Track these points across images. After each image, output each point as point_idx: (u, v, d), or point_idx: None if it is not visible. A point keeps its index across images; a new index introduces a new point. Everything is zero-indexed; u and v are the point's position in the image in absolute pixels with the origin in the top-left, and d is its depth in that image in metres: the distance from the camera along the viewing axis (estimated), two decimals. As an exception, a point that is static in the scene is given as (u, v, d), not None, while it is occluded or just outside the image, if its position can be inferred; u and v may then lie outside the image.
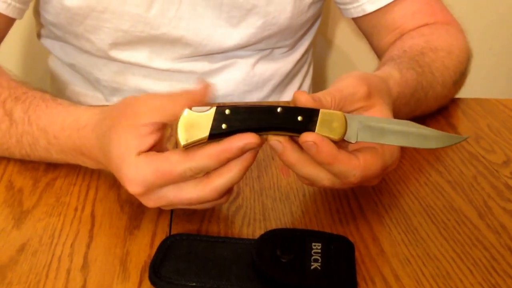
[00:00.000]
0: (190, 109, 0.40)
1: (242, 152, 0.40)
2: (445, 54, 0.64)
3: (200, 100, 0.41)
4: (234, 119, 0.39)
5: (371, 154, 0.42)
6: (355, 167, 0.41)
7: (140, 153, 0.41)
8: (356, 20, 0.74)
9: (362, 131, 0.41)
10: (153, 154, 0.41)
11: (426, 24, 0.69)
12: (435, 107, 0.63)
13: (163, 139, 0.44)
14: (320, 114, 0.40)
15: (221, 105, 0.40)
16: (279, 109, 0.40)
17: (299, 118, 0.40)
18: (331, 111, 0.41)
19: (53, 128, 0.49)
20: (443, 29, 0.68)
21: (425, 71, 0.60)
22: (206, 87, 0.42)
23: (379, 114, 0.44)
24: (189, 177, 0.40)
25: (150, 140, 0.42)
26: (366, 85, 0.44)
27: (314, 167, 0.41)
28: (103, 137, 0.44)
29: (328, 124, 0.40)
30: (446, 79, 0.62)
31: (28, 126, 0.50)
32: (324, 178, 0.42)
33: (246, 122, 0.40)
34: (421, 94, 0.58)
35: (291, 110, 0.40)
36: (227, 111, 0.39)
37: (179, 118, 0.39)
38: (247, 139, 0.40)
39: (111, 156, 0.43)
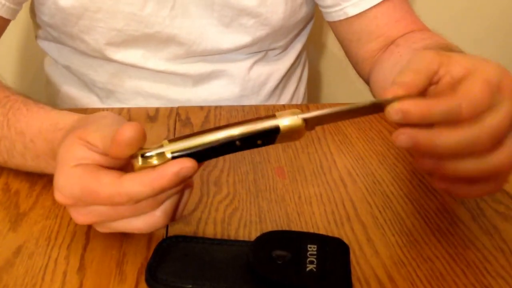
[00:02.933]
0: (143, 156, 0.37)
1: (178, 178, 0.37)
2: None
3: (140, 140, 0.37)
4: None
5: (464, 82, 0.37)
6: (455, 99, 0.36)
7: (78, 165, 0.38)
8: (337, 24, 0.72)
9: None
10: (90, 169, 0.38)
11: (412, 31, 0.68)
12: None
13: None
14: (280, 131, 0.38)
15: (171, 138, 0.38)
16: (237, 142, 0.38)
17: (259, 142, 0.38)
18: (290, 124, 0.39)
19: (30, 131, 0.48)
20: (434, 35, 0.69)
21: None
22: (137, 130, 0.37)
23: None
24: (117, 203, 0.37)
25: (96, 157, 0.39)
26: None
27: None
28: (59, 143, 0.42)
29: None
30: None
31: (7, 130, 0.49)
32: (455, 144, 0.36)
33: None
34: None
35: (249, 138, 0.38)
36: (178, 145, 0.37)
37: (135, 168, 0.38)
38: (184, 163, 0.37)
39: (56, 159, 0.40)
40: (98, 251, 0.42)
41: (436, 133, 0.37)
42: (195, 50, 0.71)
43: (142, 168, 0.38)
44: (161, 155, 0.38)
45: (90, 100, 0.76)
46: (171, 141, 0.38)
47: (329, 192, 0.51)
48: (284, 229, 0.45)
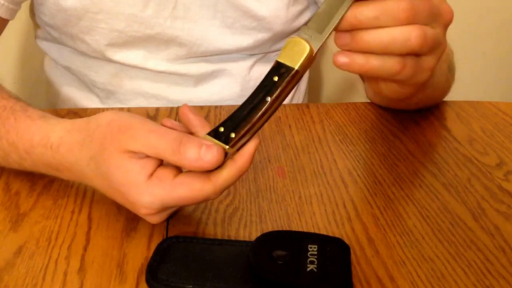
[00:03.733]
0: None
1: (253, 157, 0.41)
2: None
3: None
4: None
5: None
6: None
7: (150, 177, 0.41)
8: None
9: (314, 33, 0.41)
10: (167, 175, 0.41)
11: None
12: (442, 82, 0.62)
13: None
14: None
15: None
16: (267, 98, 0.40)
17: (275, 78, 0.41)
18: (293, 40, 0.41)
19: (23, 143, 0.48)
20: None
21: None
22: (196, 117, 0.42)
23: None
24: (211, 199, 0.42)
25: (151, 162, 0.41)
26: None
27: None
28: (95, 161, 0.43)
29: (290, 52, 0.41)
30: None
31: None
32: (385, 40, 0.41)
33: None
34: None
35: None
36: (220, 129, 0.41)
37: None
38: (255, 145, 0.41)
39: (113, 184, 0.42)
40: (99, 252, 0.42)
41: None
42: (196, 51, 0.71)
43: None
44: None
45: (90, 101, 0.76)
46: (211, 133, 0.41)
47: (330, 192, 0.50)
48: (284, 229, 0.45)
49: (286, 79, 0.40)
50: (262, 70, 0.76)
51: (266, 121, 0.41)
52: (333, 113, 0.66)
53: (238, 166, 0.41)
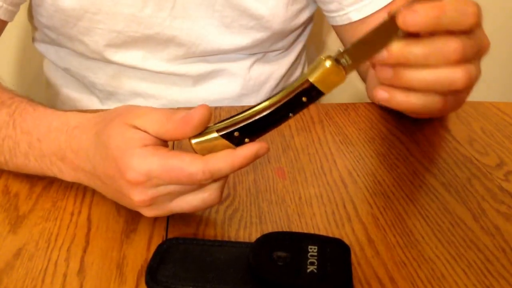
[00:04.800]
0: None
1: (255, 159, 0.41)
2: None
3: (201, 126, 0.41)
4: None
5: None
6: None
7: (146, 145, 0.41)
8: (340, 29, 0.72)
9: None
10: (163, 148, 0.41)
11: None
12: None
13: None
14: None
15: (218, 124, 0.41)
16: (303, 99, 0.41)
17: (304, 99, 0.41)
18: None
19: (38, 130, 0.48)
20: None
21: None
22: (206, 111, 0.41)
23: None
24: (197, 180, 0.40)
25: (151, 137, 0.41)
26: None
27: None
28: (98, 135, 0.43)
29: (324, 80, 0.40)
30: None
31: (12, 129, 0.49)
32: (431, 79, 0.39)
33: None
34: None
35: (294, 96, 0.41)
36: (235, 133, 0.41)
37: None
38: (261, 146, 0.41)
39: (108, 150, 0.41)
40: (98, 253, 0.42)
41: (410, 43, 0.39)
42: (194, 51, 0.71)
43: (200, 148, 0.41)
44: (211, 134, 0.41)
45: (90, 102, 0.76)
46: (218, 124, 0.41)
47: (330, 193, 0.50)
48: (284, 230, 0.45)
49: (314, 102, 0.41)
50: (261, 70, 0.76)
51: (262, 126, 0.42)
52: (333, 113, 0.66)
53: (235, 155, 0.40)
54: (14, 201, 0.49)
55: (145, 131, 0.41)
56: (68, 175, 0.48)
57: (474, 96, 0.75)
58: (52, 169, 0.48)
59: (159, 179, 0.40)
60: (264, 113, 0.41)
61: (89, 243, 0.43)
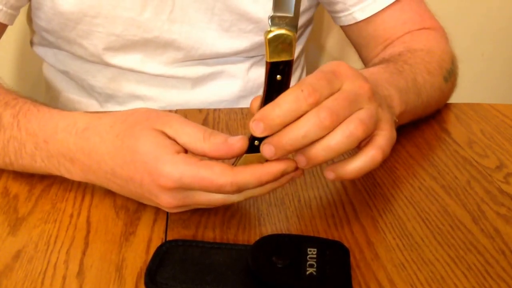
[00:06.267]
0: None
1: (283, 175, 0.42)
2: (424, 53, 0.64)
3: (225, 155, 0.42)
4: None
5: None
6: (295, 87, 0.41)
7: (178, 152, 0.42)
8: (347, 29, 0.73)
9: None
10: (193, 156, 0.42)
11: (409, 32, 0.69)
12: (435, 96, 0.62)
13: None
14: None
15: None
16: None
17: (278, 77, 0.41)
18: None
19: (44, 131, 0.48)
20: (424, 34, 0.69)
21: (401, 64, 0.60)
22: (245, 144, 0.42)
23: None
24: (225, 191, 0.42)
25: (180, 146, 0.43)
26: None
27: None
28: (121, 138, 0.44)
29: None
30: (431, 70, 0.62)
31: (17, 131, 0.49)
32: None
33: None
34: (406, 79, 0.57)
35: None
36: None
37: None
38: (289, 164, 0.42)
39: (136, 154, 0.43)
40: (97, 256, 0.42)
41: (290, 130, 0.41)
42: (193, 55, 0.71)
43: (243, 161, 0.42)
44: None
45: (89, 104, 0.76)
46: None
47: (329, 195, 0.50)
48: (283, 232, 0.45)
49: (290, 74, 0.41)
50: (260, 71, 0.76)
51: None
52: (332, 115, 0.66)
53: (263, 170, 0.41)
54: (14, 203, 0.49)
55: (174, 140, 0.43)
56: (76, 176, 0.48)
57: (474, 98, 0.75)
58: (60, 169, 0.48)
59: (189, 186, 0.42)
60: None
61: (88, 245, 0.43)
